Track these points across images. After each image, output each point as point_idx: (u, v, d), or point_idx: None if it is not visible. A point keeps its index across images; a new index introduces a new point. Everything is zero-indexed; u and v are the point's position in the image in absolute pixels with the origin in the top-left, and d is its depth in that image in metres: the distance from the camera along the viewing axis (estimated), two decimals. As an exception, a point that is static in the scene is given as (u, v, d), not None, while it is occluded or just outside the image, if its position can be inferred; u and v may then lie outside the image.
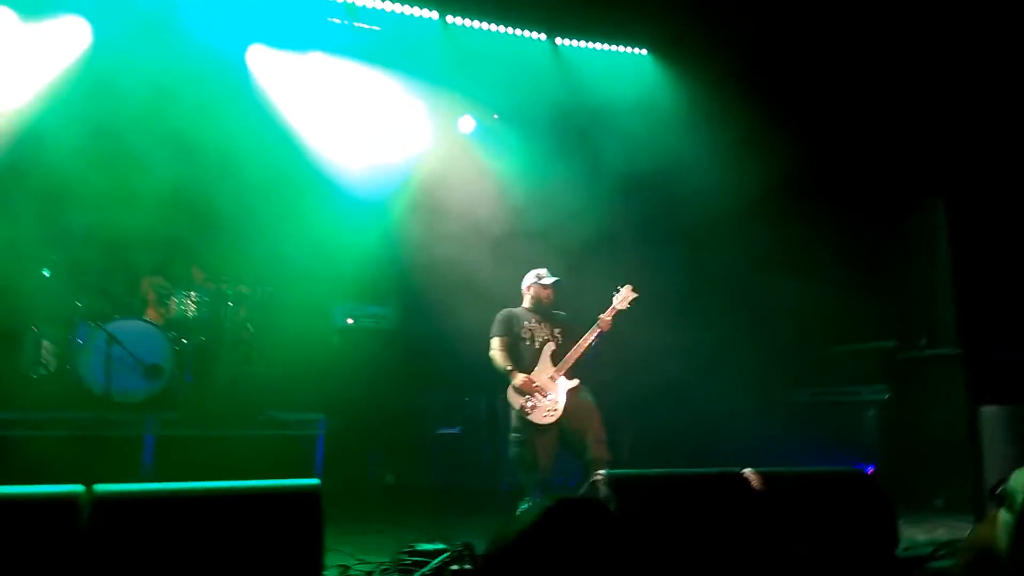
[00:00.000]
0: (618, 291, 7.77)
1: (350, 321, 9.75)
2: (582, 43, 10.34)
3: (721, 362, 9.97)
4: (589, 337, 7.66)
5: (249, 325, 9.14)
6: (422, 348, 9.76)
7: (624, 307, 7.69)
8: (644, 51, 10.50)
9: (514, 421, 7.73)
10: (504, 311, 8.01)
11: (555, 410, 7.65)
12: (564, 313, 8.06)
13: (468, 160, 10.23)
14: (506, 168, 10.20)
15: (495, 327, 7.95)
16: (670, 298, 8.75)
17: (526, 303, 8.04)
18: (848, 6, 9.18)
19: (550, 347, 7.84)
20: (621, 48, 10.47)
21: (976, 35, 8.86)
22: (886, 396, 9.23)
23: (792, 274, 9.68)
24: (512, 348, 7.85)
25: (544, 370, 7.76)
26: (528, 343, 7.86)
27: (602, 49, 10.42)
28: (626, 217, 10.00)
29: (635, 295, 7.75)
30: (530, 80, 9.89)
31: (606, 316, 7.62)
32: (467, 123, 10.51)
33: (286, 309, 9.29)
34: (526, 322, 7.91)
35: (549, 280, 7.91)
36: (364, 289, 9.78)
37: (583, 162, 10.05)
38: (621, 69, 10.38)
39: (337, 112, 9.84)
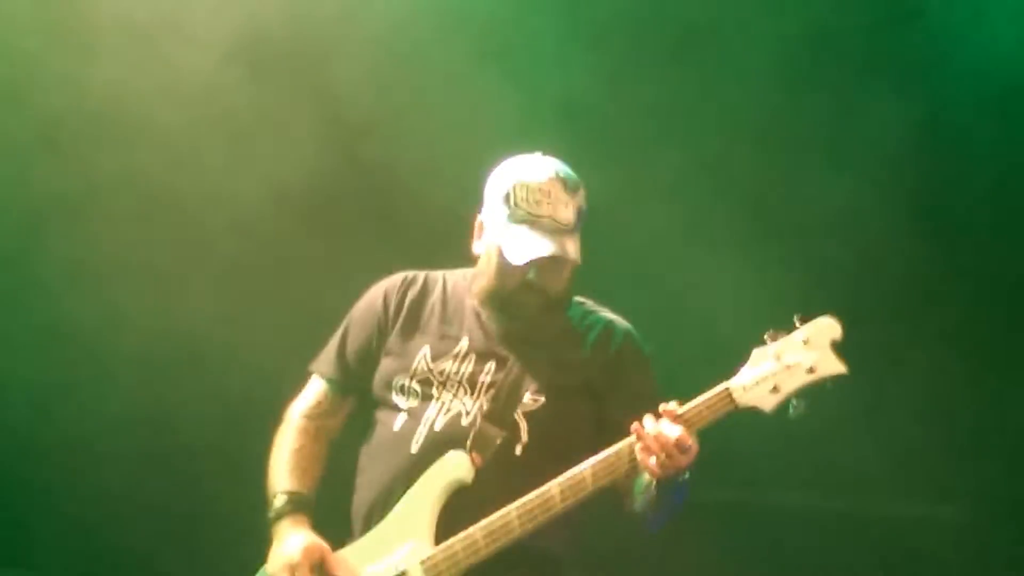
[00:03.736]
0: (783, 336, 2.66)
1: None
2: None
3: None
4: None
5: None
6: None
7: (767, 404, 2.61)
8: None
9: None
10: (385, 288, 3.01)
11: None
12: (620, 327, 2.95)
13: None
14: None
15: (331, 342, 3.03)
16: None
17: (476, 273, 2.91)
18: None
19: (452, 475, 2.71)
20: None
21: None
22: None
23: None
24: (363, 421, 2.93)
25: (393, 542, 2.68)
26: (405, 423, 2.80)
27: None
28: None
29: (840, 369, 2.62)
30: None
31: (691, 412, 2.61)
32: None
33: None
34: (432, 344, 2.86)
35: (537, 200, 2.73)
36: None
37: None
38: None
39: None
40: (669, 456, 2.52)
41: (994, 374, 4.39)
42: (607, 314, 2.93)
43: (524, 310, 2.77)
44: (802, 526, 4.47)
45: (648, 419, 2.57)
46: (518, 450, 2.73)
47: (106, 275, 4.46)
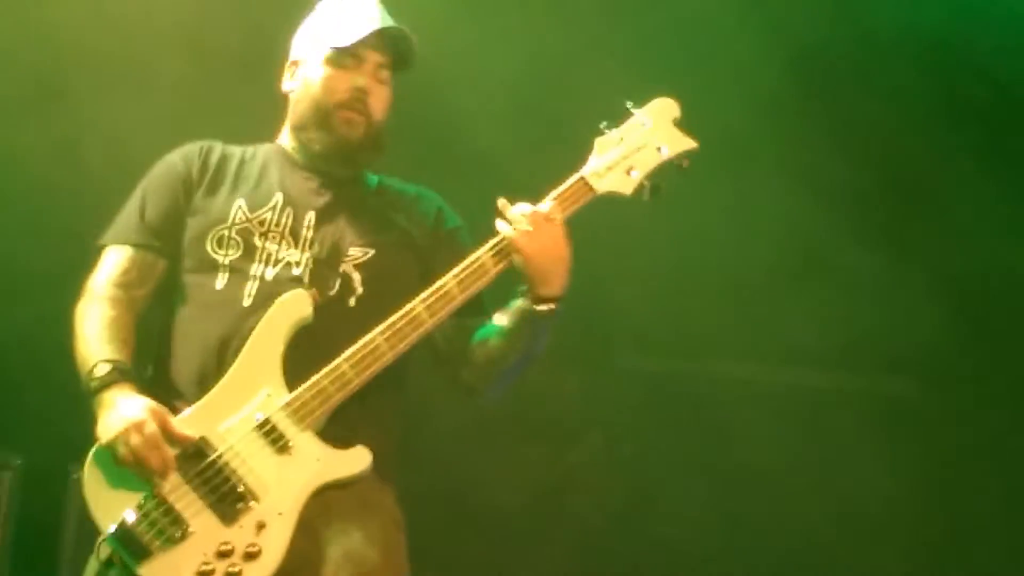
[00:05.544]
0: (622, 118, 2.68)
1: None
2: None
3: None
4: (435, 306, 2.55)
5: None
6: None
7: (626, 188, 2.64)
8: None
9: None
10: (183, 152, 2.79)
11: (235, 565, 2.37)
12: (434, 197, 2.90)
13: None
14: None
15: (126, 211, 2.76)
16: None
17: (284, 140, 2.83)
18: None
19: (294, 313, 2.55)
20: None
21: None
22: None
23: None
24: (169, 295, 2.71)
25: (243, 393, 2.48)
26: (230, 279, 2.61)
27: None
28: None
29: (691, 145, 2.67)
30: None
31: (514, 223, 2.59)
32: None
33: None
34: (247, 196, 2.72)
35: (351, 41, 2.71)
36: None
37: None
38: None
39: None
40: (537, 227, 2.51)
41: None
42: (414, 186, 2.89)
43: (348, 137, 2.70)
44: (745, 397, 4.37)
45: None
46: (352, 301, 2.63)
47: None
